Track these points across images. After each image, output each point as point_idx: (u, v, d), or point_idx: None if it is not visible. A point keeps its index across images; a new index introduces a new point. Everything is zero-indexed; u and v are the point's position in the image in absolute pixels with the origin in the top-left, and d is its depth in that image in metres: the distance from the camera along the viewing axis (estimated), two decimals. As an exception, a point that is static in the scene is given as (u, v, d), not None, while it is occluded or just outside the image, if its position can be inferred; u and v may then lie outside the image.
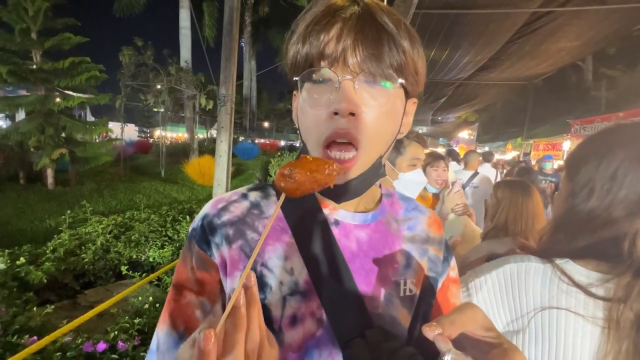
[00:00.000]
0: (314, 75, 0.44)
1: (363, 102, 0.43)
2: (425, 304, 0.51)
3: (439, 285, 0.55)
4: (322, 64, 0.43)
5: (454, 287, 0.57)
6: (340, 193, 0.48)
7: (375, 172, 0.49)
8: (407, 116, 0.51)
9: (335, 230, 0.49)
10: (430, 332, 0.33)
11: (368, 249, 0.50)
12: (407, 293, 0.50)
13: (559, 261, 0.64)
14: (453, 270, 0.57)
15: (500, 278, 0.67)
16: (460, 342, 0.35)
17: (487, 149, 17.01)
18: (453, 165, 5.12)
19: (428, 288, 0.52)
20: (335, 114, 0.43)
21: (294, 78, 0.47)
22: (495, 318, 0.66)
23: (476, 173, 3.86)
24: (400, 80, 0.44)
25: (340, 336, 0.44)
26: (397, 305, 0.48)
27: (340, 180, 0.46)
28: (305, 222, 0.49)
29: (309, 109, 0.46)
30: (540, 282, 0.63)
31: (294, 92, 0.52)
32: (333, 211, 0.51)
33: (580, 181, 0.67)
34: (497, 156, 14.47)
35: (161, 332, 0.47)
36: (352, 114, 0.42)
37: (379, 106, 0.44)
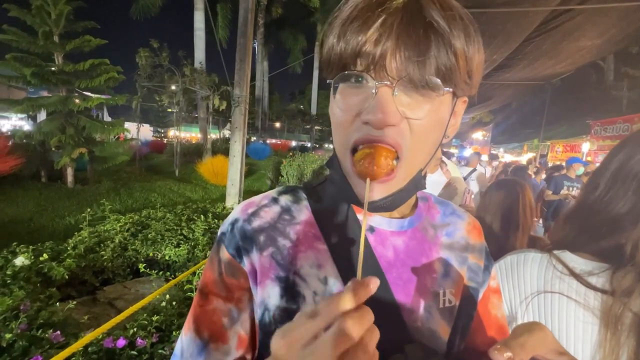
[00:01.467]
0: (347, 77, 0.40)
1: (403, 111, 0.38)
2: (465, 315, 0.48)
3: (480, 296, 0.51)
4: (358, 65, 0.39)
5: (495, 298, 0.54)
6: (374, 208, 0.44)
7: (415, 186, 0.45)
8: (456, 117, 0.46)
9: (370, 238, 0.46)
10: (500, 356, 0.30)
11: (405, 258, 0.47)
12: (447, 304, 0.47)
13: (557, 251, 0.66)
14: (494, 280, 0.54)
15: (501, 268, 0.71)
16: None
17: (501, 150, 16.69)
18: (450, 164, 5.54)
19: (468, 299, 0.49)
20: (366, 123, 0.39)
21: (327, 80, 0.43)
22: None
23: (474, 169, 4.64)
24: (447, 89, 0.39)
25: (377, 351, 0.42)
26: (436, 318, 0.46)
27: (378, 195, 0.42)
28: (339, 228, 0.46)
29: (338, 111, 0.42)
30: (537, 268, 0.66)
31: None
32: (368, 217, 0.48)
33: (593, 175, 0.70)
34: (512, 157, 14.18)
35: (185, 337, 0.46)
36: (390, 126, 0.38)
37: (422, 116, 0.39)
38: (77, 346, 1.53)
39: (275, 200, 0.50)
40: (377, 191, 0.42)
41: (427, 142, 0.42)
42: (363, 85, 0.39)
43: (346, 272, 0.44)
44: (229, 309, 0.45)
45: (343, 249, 0.45)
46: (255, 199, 0.51)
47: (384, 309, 0.43)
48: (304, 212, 0.49)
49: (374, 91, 0.38)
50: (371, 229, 0.48)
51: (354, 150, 0.41)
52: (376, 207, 0.44)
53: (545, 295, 0.62)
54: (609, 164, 0.66)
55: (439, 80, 0.37)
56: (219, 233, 0.49)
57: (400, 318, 0.43)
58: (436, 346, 0.44)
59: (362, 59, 0.38)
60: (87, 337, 1.60)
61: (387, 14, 0.37)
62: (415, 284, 0.46)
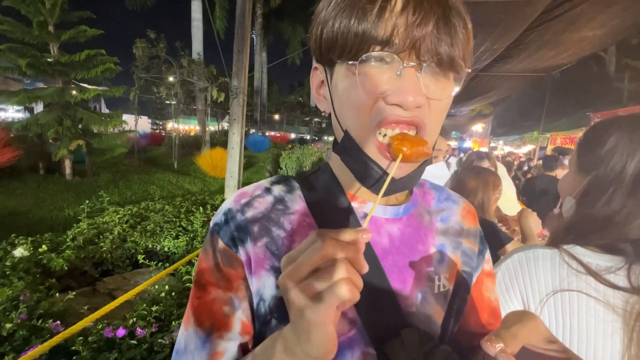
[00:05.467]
0: (369, 58, 0.38)
1: (426, 91, 0.38)
2: (459, 299, 0.49)
3: (474, 279, 0.52)
4: (388, 46, 0.37)
5: (488, 281, 0.54)
6: (391, 188, 0.41)
7: (425, 166, 0.45)
8: None
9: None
10: (492, 347, 0.30)
11: (400, 245, 0.47)
12: (441, 289, 0.47)
13: (566, 246, 0.64)
14: (488, 264, 0.54)
15: (509, 267, 0.68)
16: (522, 357, 0.32)
17: (501, 142, 16.66)
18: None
19: (462, 283, 0.50)
20: (394, 104, 0.38)
21: (349, 61, 0.39)
22: (509, 307, 0.67)
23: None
24: (468, 70, 0.39)
25: (374, 336, 0.42)
26: (431, 303, 0.46)
27: (400, 172, 0.41)
28: (333, 217, 0.46)
29: (360, 92, 0.39)
30: (549, 266, 0.63)
31: (315, 66, 0.45)
32: (362, 204, 0.47)
33: (582, 171, 0.69)
34: (512, 149, 14.17)
35: (186, 332, 0.45)
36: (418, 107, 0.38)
37: (442, 96, 0.40)
38: (72, 330, 1.54)
39: (268, 190, 0.49)
40: (402, 168, 0.41)
41: (440, 121, 0.43)
42: (387, 65, 0.38)
43: None
44: (230, 297, 0.44)
45: None
46: (248, 189, 0.50)
47: (380, 295, 0.43)
48: (297, 202, 0.48)
49: (398, 72, 0.37)
50: (365, 217, 0.47)
51: (379, 126, 0.40)
52: (394, 188, 0.43)
53: (562, 294, 0.60)
54: (593, 158, 0.65)
55: (462, 62, 0.38)
56: (211, 224, 0.48)
57: (396, 304, 0.43)
58: (431, 330, 0.45)
59: (389, 40, 0.36)
60: (83, 322, 1.61)
61: None
62: (411, 271, 0.46)
